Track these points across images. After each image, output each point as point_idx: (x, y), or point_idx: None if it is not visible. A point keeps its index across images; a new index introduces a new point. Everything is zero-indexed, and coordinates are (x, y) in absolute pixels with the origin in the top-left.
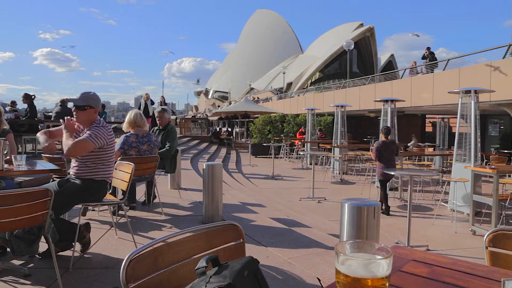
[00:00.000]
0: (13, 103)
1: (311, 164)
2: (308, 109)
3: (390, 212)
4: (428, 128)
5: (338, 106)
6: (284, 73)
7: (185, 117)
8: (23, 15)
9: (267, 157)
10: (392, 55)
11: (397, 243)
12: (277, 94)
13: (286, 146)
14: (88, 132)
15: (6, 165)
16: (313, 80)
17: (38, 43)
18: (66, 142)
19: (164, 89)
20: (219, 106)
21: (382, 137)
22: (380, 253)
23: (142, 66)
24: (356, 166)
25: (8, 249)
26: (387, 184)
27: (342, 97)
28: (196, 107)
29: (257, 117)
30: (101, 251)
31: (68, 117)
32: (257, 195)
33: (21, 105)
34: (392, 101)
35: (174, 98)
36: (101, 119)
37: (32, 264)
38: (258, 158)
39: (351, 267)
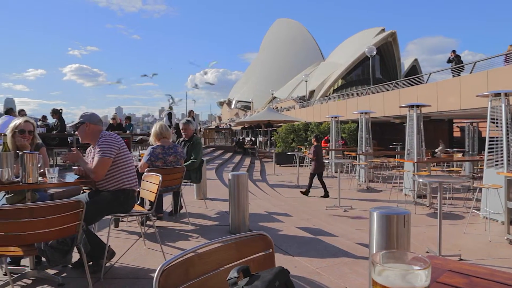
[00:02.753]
0: (44, 118)
1: (336, 172)
2: (332, 117)
3: (419, 220)
4: (456, 133)
5: (362, 113)
6: (306, 81)
7: (209, 127)
8: (54, 34)
9: (291, 166)
10: (415, 60)
11: (428, 252)
12: (299, 102)
13: None
14: (97, 149)
15: (40, 178)
16: (336, 87)
17: (68, 59)
18: (87, 168)
19: (187, 100)
20: (245, 114)
21: (314, 143)
22: (416, 263)
23: (166, 78)
24: (382, 173)
25: (43, 259)
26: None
27: (365, 104)
28: (220, 117)
29: (280, 126)
30: (130, 261)
31: (71, 151)
32: (283, 204)
33: (51, 119)
34: (417, 106)
35: (197, 108)
36: (105, 131)
37: (65, 274)
38: (282, 167)
39: (388, 278)
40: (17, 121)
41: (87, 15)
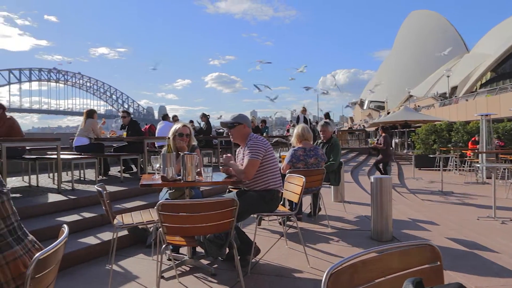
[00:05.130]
0: (191, 122)
1: (488, 177)
2: (482, 115)
3: None
4: None
5: None
6: (447, 76)
7: (341, 129)
8: (197, 48)
9: (432, 170)
10: None
11: None
12: (440, 100)
13: (456, 157)
14: (247, 150)
15: (197, 177)
16: (484, 81)
17: (209, 69)
18: (237, 170)
19: (319, 102)
20: (379, 114)
21: (382, 133)
22: None
23: (297, 81)
24: None
25: (197, 249)
26: None
27: None
28: (352, 119)
29: (419, 126)
30: (273, 259)
31: (227, 154)
32: (426, 211)
33: (196, 123)
34: None
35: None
36: (253, 133)
37: (216, 265)
38: (422, 170)
39: None
40: (177, 125)
41: (225, 28)
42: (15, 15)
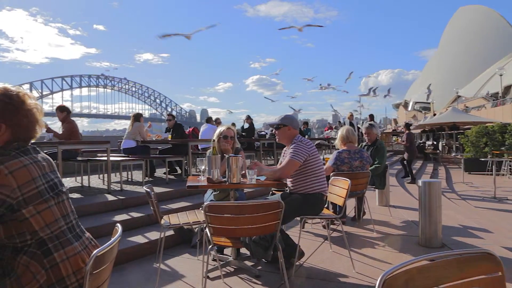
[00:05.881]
0: (233, 125)
1: None
2: None
3: None
4: None
5: None
6: (500, 75)
7: (384, 131)
8: (238, 51)
9: (483, 174)
10: None
11: None
12: (491, 100)
13: (510, 161)
14: (290, 150)
15: (241, 179)
16: None
17: (250, 72)
18: (269, 173)
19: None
20: (424, 116)
21: (406, 130)
22: None
23: (339, 83)
24: None
25: (241, 251)
26: None
27: None
28: (395, 120)
29: (468, 128)
30: (317, 262)
31: (254, 161)
32: (478, 217)
33: (239, 126)
34: None
35: (371, 112)
36: (300, 136)
37: (260, 267)
38: (472, 174)
39: None
40: (221, 128)
41: (266, 31)
42: (68, 26)
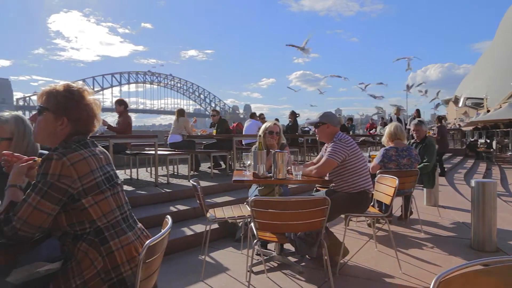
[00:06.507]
0: (277, 120)
1: None
2: None
3: None
4: None
5: None
6: None
7: (432, 128)
8: (282, 47)
9: None
10: None
11: None
12: None
13: None
14: (329, 148)
15: (287, 174)
16: None
17: (293, 67)
18: (306, 172)
19: (408, 100)
20: (477, 113)
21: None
22: None
23: (387, 78)
24: None
25: (285, 246)
26: None
27: None
28: (445, 117)
29: None
30: (362, 261)
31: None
32: None
33: (283, 121)
34: None
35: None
36: (340, 133)
37: (303, 263)
38: None
39: None
40: (267, 123)
41: (309, 25)
42: (117, 25)
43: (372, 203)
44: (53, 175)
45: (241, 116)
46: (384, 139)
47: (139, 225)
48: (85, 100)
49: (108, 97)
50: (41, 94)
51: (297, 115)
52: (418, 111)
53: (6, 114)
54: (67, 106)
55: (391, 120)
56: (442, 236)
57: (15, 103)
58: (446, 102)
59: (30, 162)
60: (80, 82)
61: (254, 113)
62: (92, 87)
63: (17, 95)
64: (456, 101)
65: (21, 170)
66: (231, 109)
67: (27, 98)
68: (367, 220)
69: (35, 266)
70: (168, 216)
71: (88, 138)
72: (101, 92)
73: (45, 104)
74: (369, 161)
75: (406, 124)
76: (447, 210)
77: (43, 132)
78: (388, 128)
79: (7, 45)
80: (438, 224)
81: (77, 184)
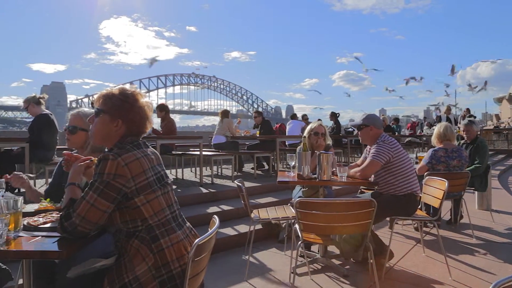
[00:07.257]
0: (319, 121)
1: None
2: None
3: None
4: None
5: None
6: None
7: (484, 127)
8: (325, 46)
9: None
10: None
11: None
12: None
13: None
14: (373, 150)
15: (332, 176)
16: None
17: (336, 67)
18: (350, 174)
19: (456, 98)
20: None
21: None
22: None
23: (432, 76)
24: None
25: (329, 248)
26: None
27: None
28: (497, 116)
29: None
30: (409, 266)
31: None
32: None
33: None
34: None
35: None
36: (384, 134)
37: (348, 266)
38: None
39: None
40: (312, 124)
41: (353, 24)
42: (163, 29)
43: (419, 206)
44: (109, 175)
45: (283, 117)
46: (433, 140)
47: (188, 224)
48: (139, 103)
49: (154, 99)
50: (98, 97)
51: (337, 115)
52: (468, 109)
53: (87, 109)
54: (122, 108)
55: (439, 120)
56: (496, 242)
57: (68, 105)
58: (499, 100)
59: (87, 161)
60: (134, 86)
61: (295, 114)
62: (139, 89)
63: (70, 97)
64: (510, 99)
65: (79, 169)
66: (273, 110)
67: (79, 100)
68: (414, 224)
69: (91, 262)
70: (215, 216)
71: (140, 139)
72: (147, 94)
73: (102, 107)
74: (416, 163)
75: (456, 124)
76: (501, 215)
77: (100, 133)
78: (437, 129)
79: (64, 51)
80: (491, 229)
81: (130, 183)
